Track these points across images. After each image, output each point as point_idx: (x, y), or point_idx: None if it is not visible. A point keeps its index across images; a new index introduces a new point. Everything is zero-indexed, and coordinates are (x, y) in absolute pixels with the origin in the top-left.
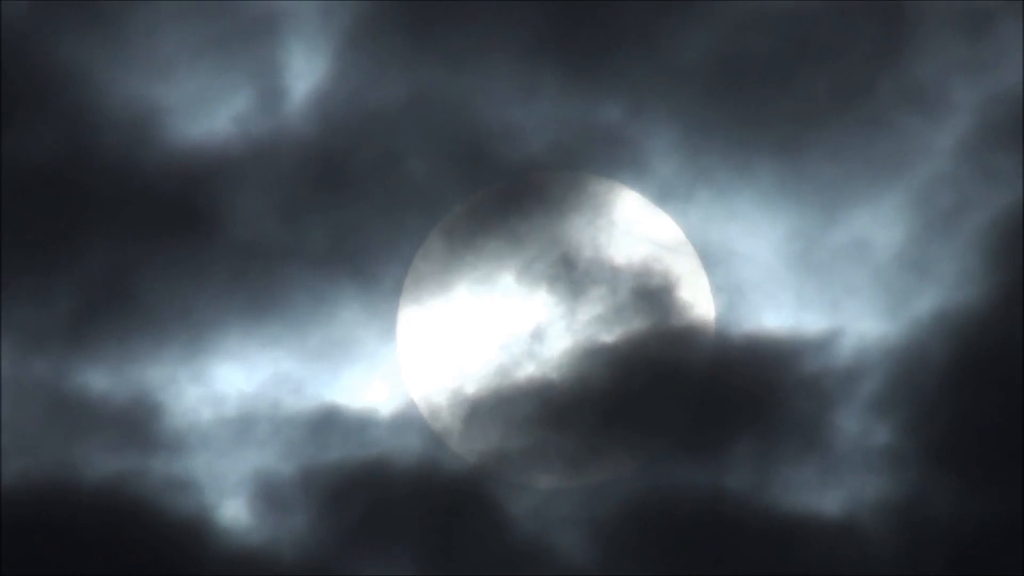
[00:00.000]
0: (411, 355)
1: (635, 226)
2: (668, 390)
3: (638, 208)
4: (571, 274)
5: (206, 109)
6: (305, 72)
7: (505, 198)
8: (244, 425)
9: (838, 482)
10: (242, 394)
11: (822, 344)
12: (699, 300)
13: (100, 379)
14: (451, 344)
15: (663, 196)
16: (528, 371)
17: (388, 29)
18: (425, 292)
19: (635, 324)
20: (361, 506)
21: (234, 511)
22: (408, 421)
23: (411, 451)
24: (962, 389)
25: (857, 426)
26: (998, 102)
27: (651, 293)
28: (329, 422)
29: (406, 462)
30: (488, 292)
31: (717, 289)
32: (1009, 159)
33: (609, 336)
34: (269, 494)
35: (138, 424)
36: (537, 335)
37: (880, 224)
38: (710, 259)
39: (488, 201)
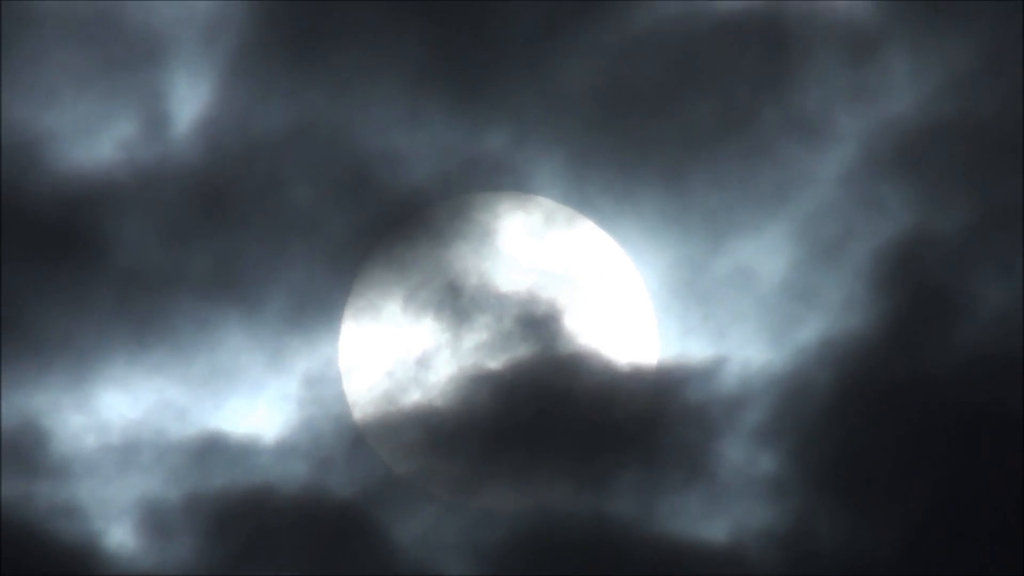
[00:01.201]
0: (297, 381)
1: (520, 254)
2: (554, 417)
3: (523, 236)
4: (456, 301)
5: (90, 135)
6: (189, 98)
7: (390, 225)
8: (129, 451)
9: (723, 510)
10: (127, 421)
11: (707, 372)
12: (584, 328)
13: None
14: (337, 370)
15: (548, 224)
16: (414, 397)
17: (272, 56)
18: (311, 319)
19: (520, 351)
20: (247, 532)
21: (120, 537)
22: (293, 448)
23: (296, 478)
24: (846, 417)
25: (742, 454)
26: (883, 131)
27: (536, 320)
28: (214, 449)
29: (291, 489)
30: (374, 319)
31: (602, 317)
32: (893, 188)
33: (495, 363)
34: (155, 520)
35: (23, 450)
36: (423, 362)
37: (765, 252)
38: (595, 287)
39: (373, 228)
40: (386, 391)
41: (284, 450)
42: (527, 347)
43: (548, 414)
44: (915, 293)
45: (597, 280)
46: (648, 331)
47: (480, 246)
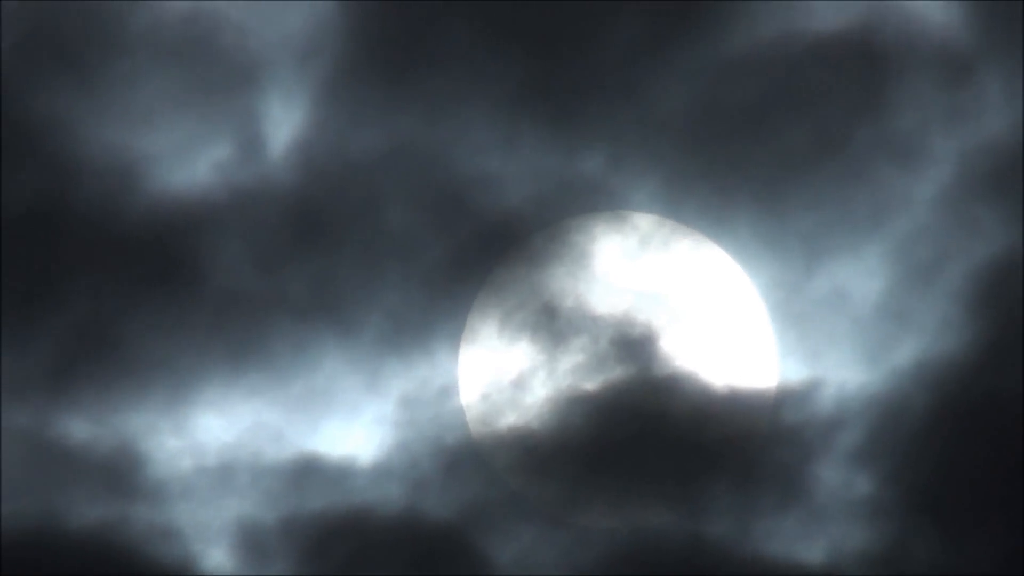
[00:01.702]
0: (393, 404)
1: (616, 276)
2: (650, 439)
3: (620, 258)
4: (553, 323)
5: (186, 158)
6: (285, 121)
7: (486, 247)
8: (225, 474)
9: (820, 532)
10: (223, 443)
11: (803, 394)
12: (681, 350)
13: (82, 428)
14: (433, 392)
15: (644, 246)
16: (511, 419)
17: (367, 78)
18: (407, 341)
19: (616, 373)
20: (343, 554)
21: (217, 559)
22: (389, 470)
23: (393, 500)
24: (943, 439)
25: (838, 476)
26: (978, 153)
27: (632, 342)
28: (310, 471)
29: (388, 511)
30: (471, 341)
31: (700, 339)
32: (989, 210)
33: (591, 385)
34: (251, 543)
35: (120, 473)
36: (520, 384)
37: (860, 274)
38: (692, 309)
39: (469, 251)
40: (483, 413)
41: (380, 472)
42: (623, 369)
43: (645, 435)
44: (1011, 314)
45: (693, 302)
46: (745, 353)
47: (576, 268)
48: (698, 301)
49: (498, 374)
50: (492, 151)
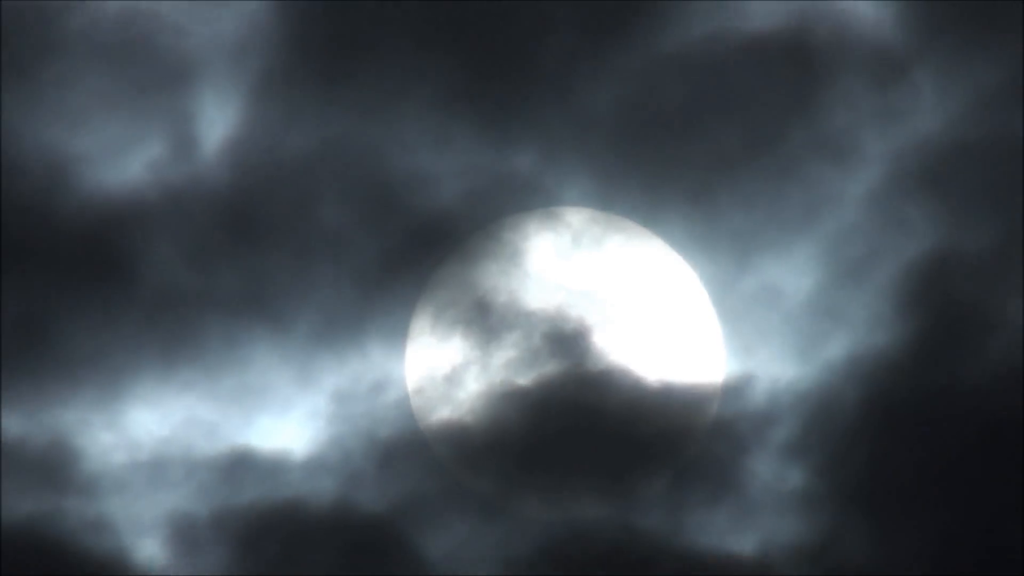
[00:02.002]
0: (326, 398)
1: (550, 272)
2: (584, 433)
3: (553, 254)
4: (487, 319)
5: (120, 157)
6: (218, 120)
7: (419, 244)
8: (158, 468)
9: (752, 524)
10: (156, 438)
11: (736, 389)
12: (615, 345)
13: (15, 423)
14: (365, 387)
15: (576, 243)
16: (444, 414)
17: (300, 77)
18: (340, 337)
19: (550, 368)
20: (276, 547)
21: (150, 552)
22: (322, 463)
23: (326, 493)
24: (873, 433)
25: (770, 469)
26: (909, 152)
27: (566, 337)
28: (243, 465)
29: (321, 504)
30: (403, 337)
31: (630, 334)
32: (919, 208)
33: (525, 380)
34: (184, 535)
35: (54, 467)
36: (453, 379)
37: (792, 271)
38: (623, 305)
39: (402, 248)
40: (417, 407)
41: (313, 466)
42: (558, 363)
43: (579, 430)
44: (941, 311)
45: (624, 299)
46: (677, 348)
47: (510, 264)
48: (631, 296)
49: (432, 369)
50: (425, 150)
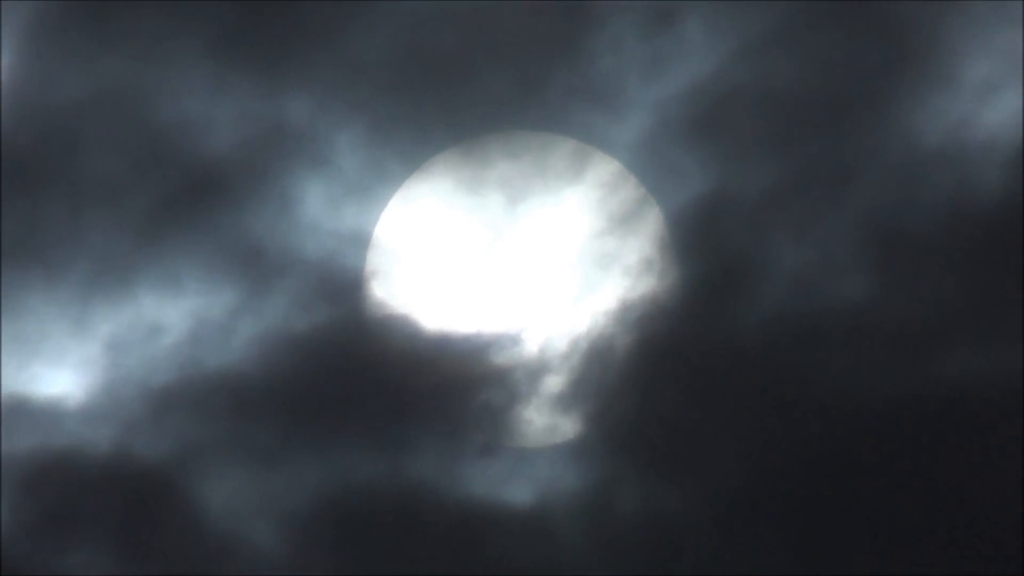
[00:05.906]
0: (100, 346)
1: (323, 220)
2: (359, 383)
3: (325, 202)
4: (260, 266)
5: None
6: None
7: (193, 191)
8: None
9: (527, 474)
10: None
11: (510, 338)
12: (389, 294)
13: None
14: (140, 335)
15: (349, 191)
16: (218, 362)
17: (70, 21)
18: (114, 284)
19: (324, 316)
20: (51, 497)
21: None
22: (98, 412)
23: (102, 442)
24: (645, 380)
25: (545, 418)
26: (678, 98)
27: (341, 286)
28: (17, 412)
29: (97, 452)
30: (176, 285)
31: (407, 283)
32: (688, 155)
33: (300, 327)
34: None
35: None
36: (227, 327)
37: (562, 219)
38: (399, 254)
39: (176, 195)
40: (192, 355)
41: (89, 414)
42: (332, 312)
43: (352, 380)
44: (711, 257)
45: (399, 248)
46: (441, 300)
47: (283, 211)
48: (408, 244)
49: (206, 317)
50: (198, 96)
